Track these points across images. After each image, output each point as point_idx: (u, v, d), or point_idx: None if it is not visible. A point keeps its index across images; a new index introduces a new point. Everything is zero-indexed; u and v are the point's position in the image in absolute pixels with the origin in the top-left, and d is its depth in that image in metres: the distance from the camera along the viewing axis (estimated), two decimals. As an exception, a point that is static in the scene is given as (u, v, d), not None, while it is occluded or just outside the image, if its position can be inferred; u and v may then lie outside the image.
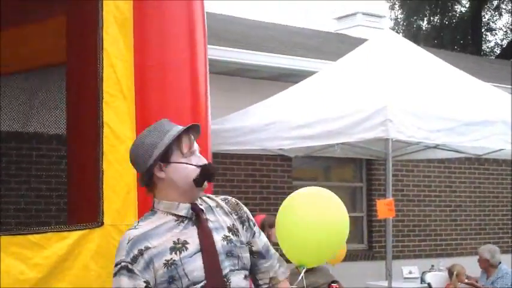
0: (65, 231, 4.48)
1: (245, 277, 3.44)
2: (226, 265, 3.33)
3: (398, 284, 9.75)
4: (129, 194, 4.50)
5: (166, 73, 4.64)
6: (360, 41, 11.11)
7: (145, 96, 4.56)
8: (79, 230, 4.47)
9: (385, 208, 7.94)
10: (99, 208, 4.46)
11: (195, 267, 3.24)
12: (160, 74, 4.61)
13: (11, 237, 4.38)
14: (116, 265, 3.27)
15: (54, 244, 4.42)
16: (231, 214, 3.52)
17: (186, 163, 3.36)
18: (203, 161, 3.41)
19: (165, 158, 3.35)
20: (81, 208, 5.04)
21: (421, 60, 9.47)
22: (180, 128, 3.40)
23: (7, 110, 6.47)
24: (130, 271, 3.22)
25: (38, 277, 4.38)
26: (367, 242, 12.79)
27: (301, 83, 9.84)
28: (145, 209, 4.42)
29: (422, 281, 9.78)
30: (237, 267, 3.38)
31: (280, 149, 9.49)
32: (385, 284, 8.67)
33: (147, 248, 3.24)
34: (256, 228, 3.64)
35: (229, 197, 3.63)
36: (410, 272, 10.41)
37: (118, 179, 4.49)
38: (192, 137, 3.43)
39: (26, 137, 8.54)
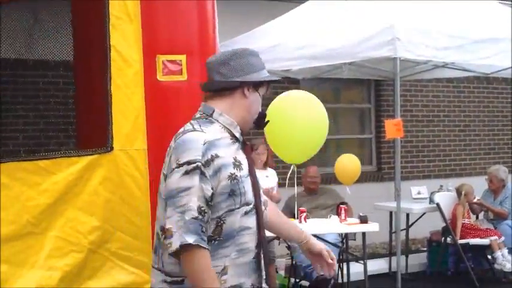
0: (75, 156, 4.48)
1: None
2: (261, 193, 3.49)
3: (407, 205, 9.77)
4: (138, 118, 4.48)
5: (173, -5, 4.57)
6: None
7: (152, 19, 4.49)
8: (88, 155, 4.46)
9: (393, 128, 7.91)
10: (109, 133, 4.44)
11: (248, 189, 3.33)
12: (167, -4, 4.54)
13: (18, 163, 4.37)
14: (188, 163, 3.19)
15: (64, 169, 4.43)
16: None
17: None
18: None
19: (257, 86, 3.45)
20: (91, 133, 5.02)
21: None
22: (271, 75, 3.51)
23: (10, 36, 6.39)
24: (203, 173, 3.19)
25: (47, 202, 4.40)
26: (376, 163, 12.79)
27: (307, 3, 9.72)
28: (154, 133, 4.43)
29: (431, 201, 9.79)
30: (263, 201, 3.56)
31: (287, 70, 9.40)
32: (394, 204, 8.68)
33: (217, 156, 3.24)
34: None
35: None
36: (419, 193, 10.40)
37: (127, 103, 4.46)
38: None
39: (31, 63, 8.46)
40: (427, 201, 9.97)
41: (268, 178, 8.23)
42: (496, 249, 9.22)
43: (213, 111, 3.41)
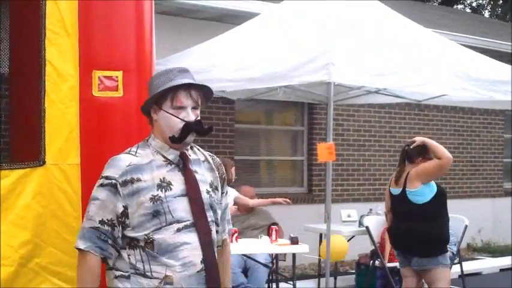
0: (6, 169, 4.44)
1: (217, 232, 3.71)
2: (208, 215, 3.59)
3: (337, 227, 9.86)
4: (72, 133, 4.47)
5: (112, 11, 4.57)
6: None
7: (89, 34, 4.49)
8: (20, 168, 4.43)
9: (325, 151, 7.98)
10: (41, 147, 4.43)
11: (179, 207, 3.49)
12: (106, 11, 4.55)
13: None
14: (106, 178, 3.49)
15: (-5, 182, 4.38)
16: (214, 171, 3.75)
17: (173, 115, 3.53)
18: (191, 118, 3.55)
19: (158, 103, 3.55)
20: (23, 147, 4.98)
21: (365, 6, 9.45)
22: (179, 81, 3.54)
23: None
24: (116, 189, 3.46)
25: (-22, 216, 4.34)
26: (307, 185, 12.88)
27: (244, 24, 9.77)
28: (88, 148, 4.43)
29: (361, 224, 9.88)
30: (214, 220, 3.65)
31: (222, 91, 9.43)
32: (324, 226, 8.77)
33: (139, 180, 3.47)
34: (226, 190, 3.90)
35: (214, 156, 3.85)
36: (348, 216, 10.50)
37: (60, 117, 4.45)
38: (193, 93, 3.58)
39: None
40: (356, 224, 10.07)
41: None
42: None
43: (149, 136, 3.63)
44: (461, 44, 10.44)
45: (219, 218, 3.73)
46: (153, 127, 3.62)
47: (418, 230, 7.30)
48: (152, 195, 3.45)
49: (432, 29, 11.13)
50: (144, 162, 3.51)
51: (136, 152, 3.56)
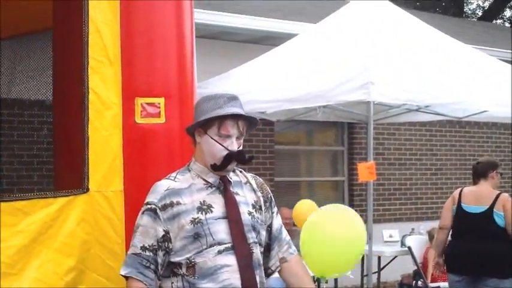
0: (51, 197, 4.46)
1: (262, 253, 3.71)
2: (249, 236, 3.59)
3: (379, 248, 9.81)
4: (115, 160, 4.49)
5: (153, 38, 4.60)
6: (341, 4, 11.06)
7: (131, 62, 4.52)
8: (64, 196, 4.46)
9: (366, 171, 7.97)
10: (85, 174, 4.45)
11: (220, 229, 3.53)
12: (147, 39, 4.57)
13: (-4, 204, 4.36)
14: (146, 204, 3.61)
15: (39, 210, 4.40)
16: (257, 192, 3.77)
17: (217, 142, 3.58)
18: (234, 147, 3.59)
19: (205, 127, 3.61)
20: (67, 175, 5.01)
21: (403, 23, 9.43)
22: (229, 110, 3.58)
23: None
24: (156, 214, 3.54)
25: (23, 243, 4.36)
26: (348, 205, 12.83)
27: (282, 45, 9.81)
28: (132, 175, 4.46)
29: (403, 244, 9.85)
30: (257, 241, 3.65)
31: (261, 112, 9.45)
32: (366, 247, 8.72)
33: (178, 203, 3.55)
34: (275, 209, 3.91)
35: (257, 176, 3.89)
36: (390, 236, 10.45)
37: (104, 145, 4.47)
38: (240, 123, 3.62)
39: (9, 101, 8.46)
40: (398, 244, 10.02)
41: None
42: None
43: (190, 161, 3.71)
44: (501, 59, 10.36)
45: (263, 239, 3.73)
46: (196, 149, 3.69)
47: (503, 250, 7.23)
48: (192, 217, 3.51)
49: (472, 44, 11.06)
50: (183, 187, 3.59)
51: (175, 178, 3.64)
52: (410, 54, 8.73)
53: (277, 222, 3.91)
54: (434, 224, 10.56)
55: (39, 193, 4.54)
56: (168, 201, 3.53)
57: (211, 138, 3.59)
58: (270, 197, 3.88)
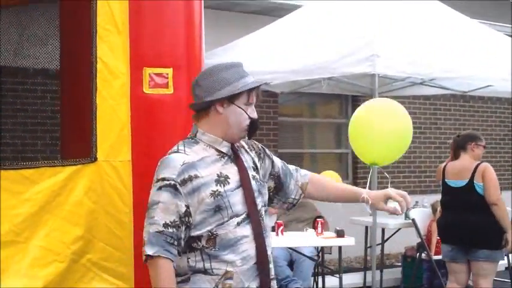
0: (59, 166, 4.47)
1: (267, 212, 3.76)
2: (258, 201, 3.63)
3: (383, 220, 9.82)
4: (123, 130, 4.49)
5: (161, 8, 4.58)
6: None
7: (139, 32, 4.51)
8: (72, 165, 4.47)
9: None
10: (93, 143, 4.45)
11: (236, 200, 3.54)
12: (155, 8, 4.56)
13: (3, 171, 4.37)
14: (162, 180, 3.49)
15: (47, 179, 4.42)
16: (250, 152, 3.81)
17: (244, 111, 3.60)
18: (255, 115, 3.64)
19: (232, 98, 3.58)
20: (74, 144, 5.02)
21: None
22: (254, 81, 3.63)
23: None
24: (176, 190, 3.46)
25: (30, 212, 4.39)
26: (352, 178, 12.86)
27: (287, 16, 9.77)
28: (139, 145, 4.46)
29: (407, 217, 9.84)
30: (263, 204, 3.69)
31: (266, 83, 9.44)
32: (370, 219, 8.75)
33: (197, 177, 3.50)
34: (270, 153, 3.96)
35: (245, 138, 3.85)
36: (394, 208, 10.45)
37: (112, 114, 4.47)
38: (259, 93, 3.68)
39: (13, 71, 8.45)
40: (402, 217, 10.02)
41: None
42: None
43: (197, 132, 3.65)
44: (508, 35, 10.32)
45: (266, 199, 3.78)
46: (204, 120, 3.64)
47: (490, 222, 7.29)
48: (212, 190, 3.50)
49: (478, 19, 11.00)
50: (196, 159, 3.54)
51: (185, 151, 3.57)
52: (416, 27, 8.70)
53: (278, 161, 3.96)
54: (437, 197, 10.58)
55: (48, 161, 4.56)
56: (186, 176, 3.47)
57: (239, 107, 3.59)
58: (261, 147, 3.91)
